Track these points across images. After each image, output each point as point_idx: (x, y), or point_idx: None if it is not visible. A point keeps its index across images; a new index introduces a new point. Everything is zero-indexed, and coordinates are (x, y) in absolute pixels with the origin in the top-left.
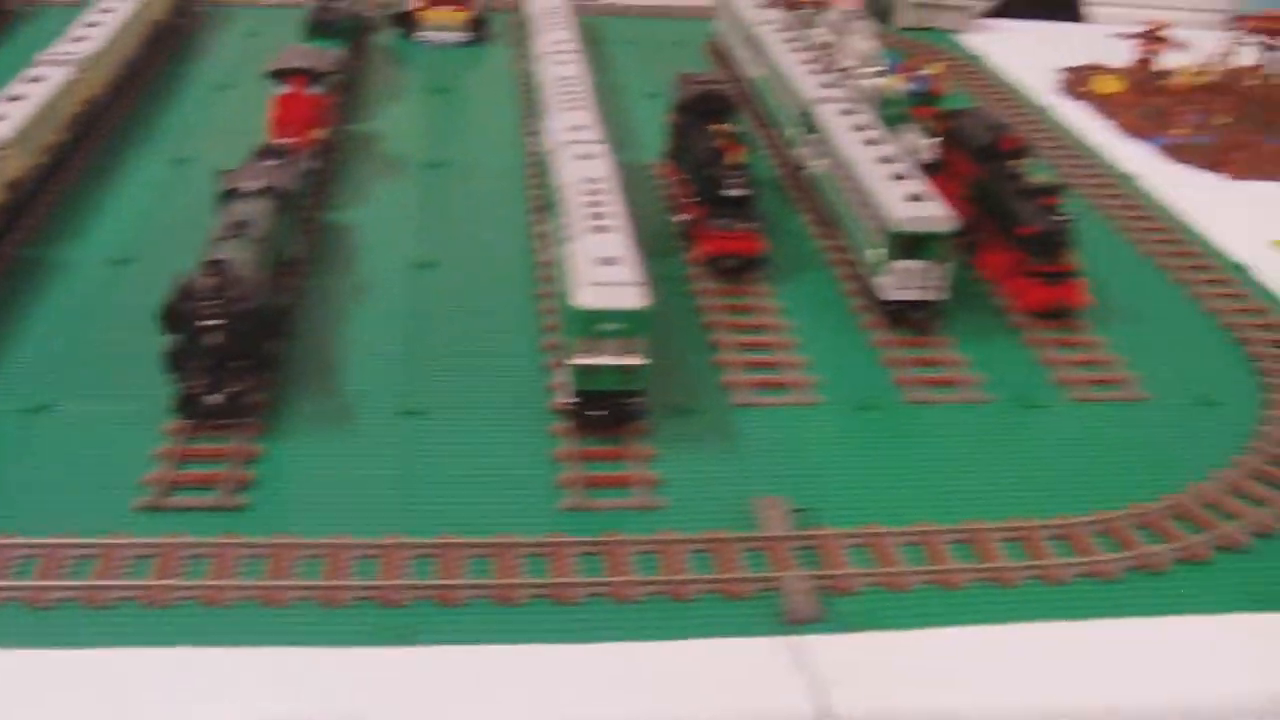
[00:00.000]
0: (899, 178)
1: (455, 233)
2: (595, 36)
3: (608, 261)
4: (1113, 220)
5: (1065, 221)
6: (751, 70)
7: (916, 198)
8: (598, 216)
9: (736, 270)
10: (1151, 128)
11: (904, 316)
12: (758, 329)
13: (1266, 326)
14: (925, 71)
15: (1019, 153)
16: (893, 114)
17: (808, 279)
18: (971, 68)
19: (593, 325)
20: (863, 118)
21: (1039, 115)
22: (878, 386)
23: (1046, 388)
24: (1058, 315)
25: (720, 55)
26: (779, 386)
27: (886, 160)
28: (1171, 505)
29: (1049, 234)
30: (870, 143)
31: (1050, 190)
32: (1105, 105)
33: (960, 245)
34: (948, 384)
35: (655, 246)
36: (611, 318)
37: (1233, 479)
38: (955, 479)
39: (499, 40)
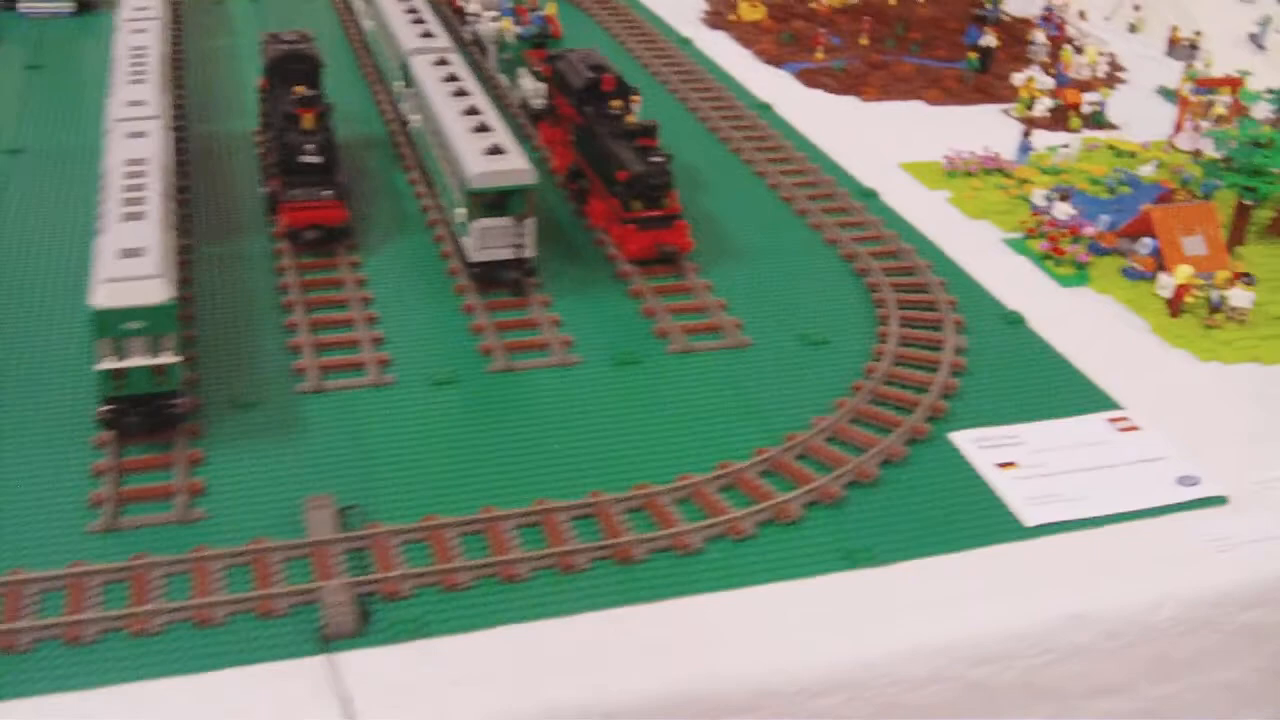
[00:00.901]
0: (482, 130)
1: (22, 228)
2: None
3: (131, 253)
4: (744, 153)
5: (662, 162)
6: (366, 23)
7: (496, 151)
8: (132, 203)
9: (320, 242)
10: (789, 54)
11: (494, 278)
12: (339, 305)
13: (886, 254)
14: (541, 11)
15: (620, 93)
16: (509, 59)
17: (403, 245)
18: (615, 3)
19: (114, 325)
20: (455, 67)
21: (679, 48)
22: (460, 358)
23: (645, 342)
24: (665, 261)
25: (346, 10)
26: (353, 368)
27: (472, 112)
28: (764, 461)
29: (645, 176)
30: (459, 94)
31: (646, 130)
32: (746, 34)
33: (572, 194)
34: (538, 348)
35: (243, 222)
36: (133, 315)
37: (833, 425)
38: (530, 455)
39: (108, 9)
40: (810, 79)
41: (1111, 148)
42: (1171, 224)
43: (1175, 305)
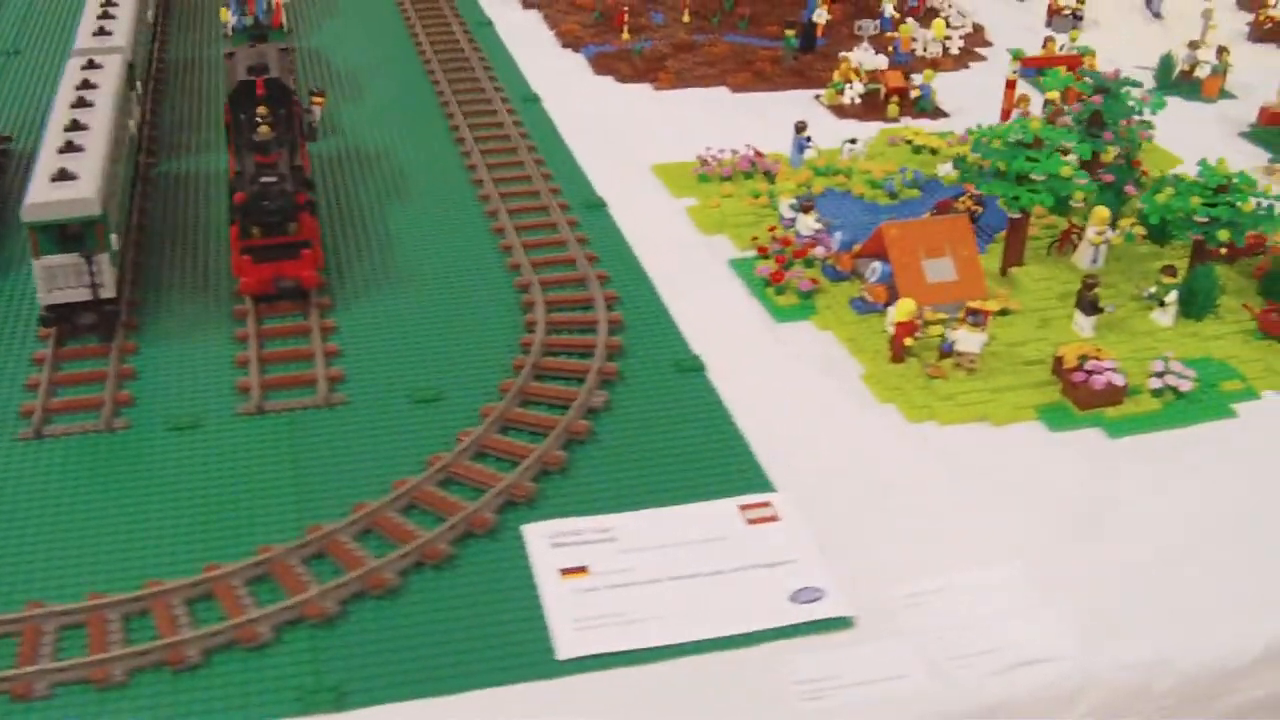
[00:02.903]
0: (69, 150)
1: None
2: None
3: None
4: (472, 157)
5: (276, 183)
6: None
7: (64, 176)
8: None
9: None
10: (595, 35)
11: (72, 323)
12: None
13: (570, 282)
14: None
15: (277, 98)
16: None
17: (10, 282)
18: None
19: None
20: (103, 73)
21: (472, 33)
22: None
23: (221, 400)
24: (289, 296)
25: None
26: None
27: (75, 127)
28: (262, 563)
29: (257, 198)
30: (79, 104)
31: (264, 146)
32: (559, 13)
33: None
34: (87, 409)
35: None
36: None
37: (374, 514)
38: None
39: None
40: (604, 64)
41: (909, 142)
42: (911, 244)
43: (896, 348)
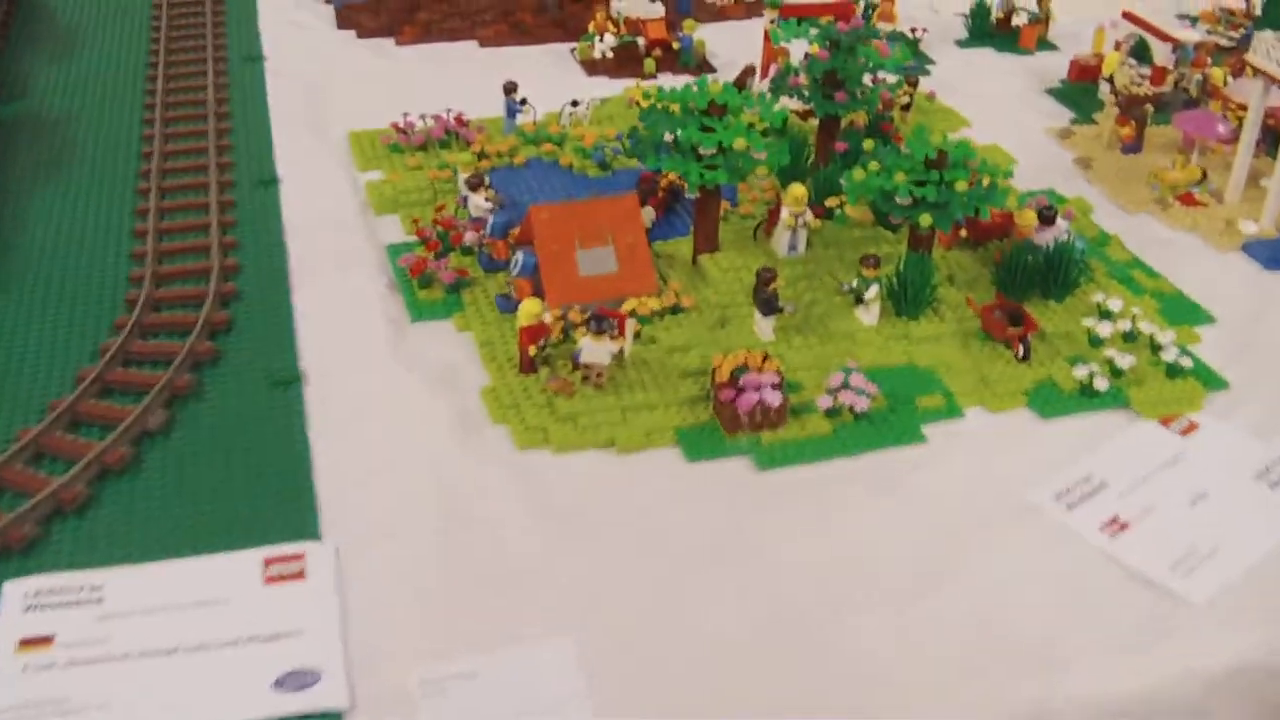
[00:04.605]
0: None
1: None
2: None
3: None
4: (154, 126)
5: None
6: None
7: None
8: None
9: None
10: None
11: None
12: None
13: (191, 275)
14: None
15: None
16: None
17: None
18: None
19: None
20: None
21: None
22: None
23: None
24: None
25: None
26: None
27: None
28: None
29: None
30: None
31: None
32: None
33: None
34: None
35: None
36: None
37: None
38: None
39: None
40: (348, 18)
41: (637, 105)
42: (564, 229)
43: (523, 357)
